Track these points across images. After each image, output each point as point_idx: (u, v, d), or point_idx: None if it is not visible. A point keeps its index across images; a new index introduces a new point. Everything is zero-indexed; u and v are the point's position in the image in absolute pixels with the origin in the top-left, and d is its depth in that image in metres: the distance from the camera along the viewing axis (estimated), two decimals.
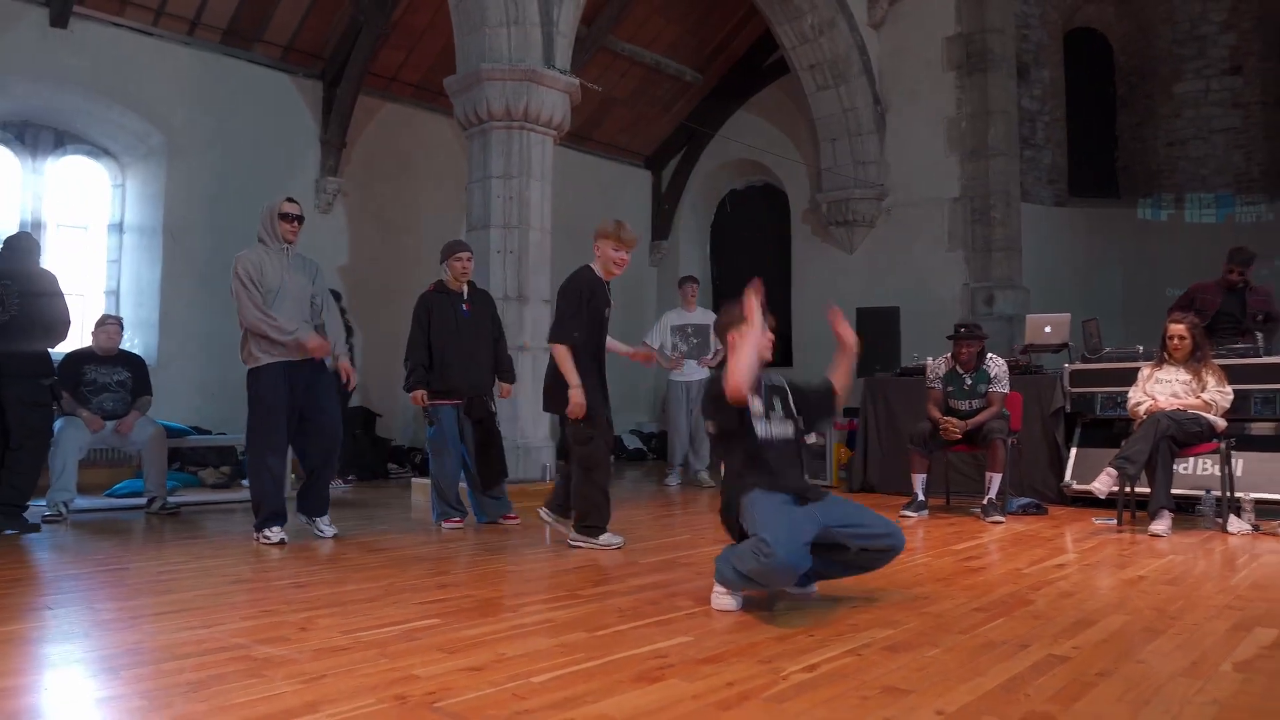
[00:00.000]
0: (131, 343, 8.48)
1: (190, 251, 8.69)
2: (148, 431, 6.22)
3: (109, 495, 6.89)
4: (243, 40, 8.99)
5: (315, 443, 5.01)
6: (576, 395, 4.50)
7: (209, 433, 8.16)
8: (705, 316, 8.28)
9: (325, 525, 5.09)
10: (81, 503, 6.15)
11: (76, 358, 6.32)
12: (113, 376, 6.37)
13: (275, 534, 4.81)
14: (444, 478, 5.56)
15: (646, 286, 12.64)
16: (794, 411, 3.54)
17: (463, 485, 5.72)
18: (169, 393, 7.81)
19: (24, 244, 5.56)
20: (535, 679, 2.42)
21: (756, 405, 3.41)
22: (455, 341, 5.52)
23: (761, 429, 3.41)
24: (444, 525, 5.50)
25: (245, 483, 7.72)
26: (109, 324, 6.49)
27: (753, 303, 3.32)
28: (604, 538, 4.68)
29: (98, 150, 8.83)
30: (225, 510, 6.51)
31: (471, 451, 5.63)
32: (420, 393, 5.45)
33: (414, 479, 7.48)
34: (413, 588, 3.67)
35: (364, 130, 9.90)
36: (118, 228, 8.91)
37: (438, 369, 5.49)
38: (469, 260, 5.65)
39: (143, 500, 6.28)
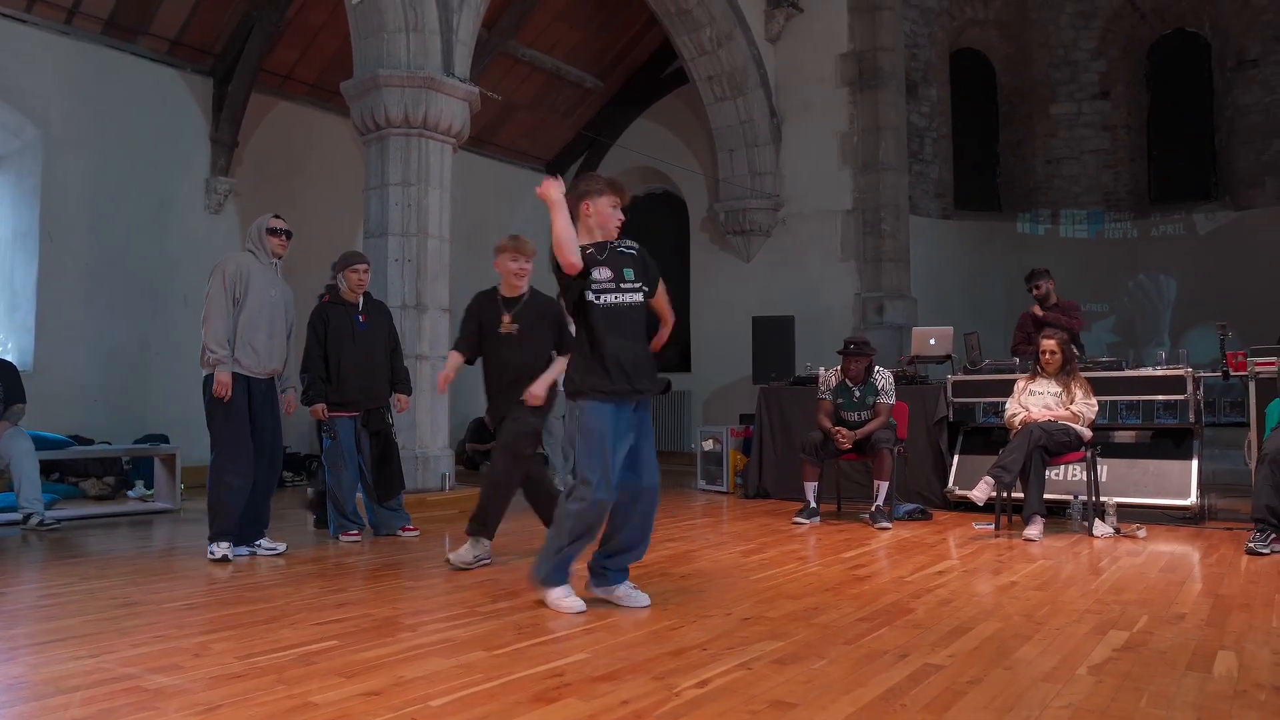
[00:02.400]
0: (4, 347, 8.09)
1: (71, 253, 8.32)
2: (15, 444, 5.94)
3: None
4: (126, 32, 8.64)
5: (260, 459, 4.90)
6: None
7: (91, 442, 7.85)
8: None
9: (267, 545, 4.96)
10: None
11: None
12: None
13: (221, 549, 4.71)
14: (341, 490, 5.50)
15: (549, 291, 12.65)
16: (647, 281, 3.72)
17: (360, 497, 5.67)
18: (48, 400, 7.47)
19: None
20: (434, 702, 2.45)
21: (604, 274, 3.58)
22: (351, 353, 5.46)
23: (609, 299, 3.58)
24: (342, 538, 5.44)
25: (131, 494, 7.55)
26: None
27: (549, 188, 3.46)
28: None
29: None
30: (109, 524, 6.28)
31: (368, 463, 5.59)
32: (320, 406, 5.38)
33: (310, 490, 7.33)
34: (310, 607, 3.64)
35: (256, 129, 9.65)
36: None
37: (334, 381, 5.42)
38: (365, 272, 5.60)
39: (17, 516, 6.00)
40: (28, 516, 5.92)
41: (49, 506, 6.73)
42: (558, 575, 3.62)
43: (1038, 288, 7.03)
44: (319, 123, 10.13)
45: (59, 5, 8.17)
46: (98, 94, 8.49)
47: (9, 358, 7.45)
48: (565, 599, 3.57)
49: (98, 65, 8.52)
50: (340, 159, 10.10)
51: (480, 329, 4.65)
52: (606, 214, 3.67)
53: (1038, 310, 6.95)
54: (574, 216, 3.64)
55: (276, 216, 5.04)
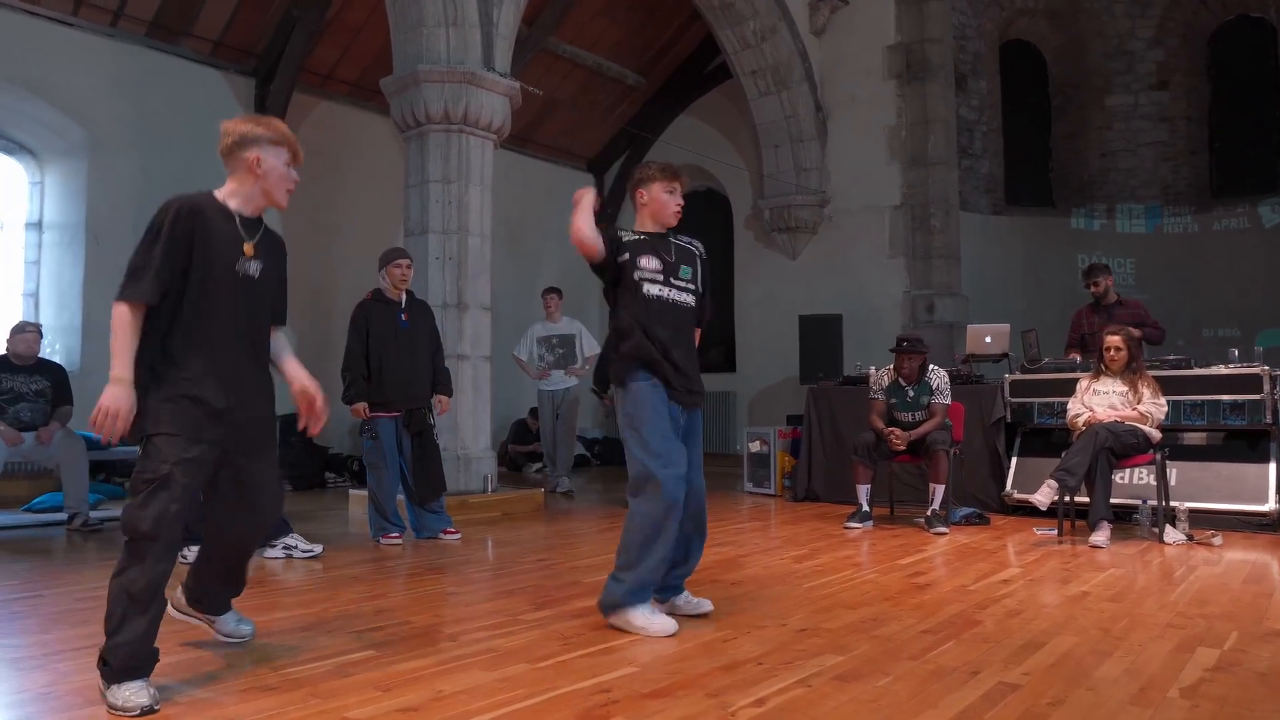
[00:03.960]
0: (52, 349, 8.13)
1: (115, 253, 8.27)
2: (66, 445, 5.93)
3: (27, 510, 6.56)
4: (170, 34, 8.67)
5: None
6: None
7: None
8: (570, 326, 8.35)
9: (304, 546, 4.87)
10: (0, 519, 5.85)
11: None
12: (30, 385, 6.07)
13: (190, 553, 4.62)
14: (382, 492, 5.40)
15: (591, 291, 12.51)
16: (700, 285, 3.49)
17: (401, 499, 5.57)
18: (93, 401, 7.44)
19: None
20: (474, 719, 2.31)
21: (652, 264, 3.36)
22: (394, 352, 5.36)
23: (654, 290, 3.35)
24: (382, 541, 5.34)
25: None
26: (27, 331, 6.18)
27: (583, 199, 3.36)
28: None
29: (13, 145, 8.43)
30: None
31: (409, 465, 5.48)
32: (362, 405, 5.29)
33: (351, 490, 7.28)
34: (348, 614, 3.52)
35: (298, 129, 9.61)
36: (36, 227, 8.53)
37: (375, 380, 5.32)
38: (408, 267, 5.50)
39: (64, 516, 6.00)
40: (73, 516, 5.92)
41: (94, 506, 6.73)
42: (637, 593, 3.19)
43: (1095, 284, 6.74)
44: (360, 121, 10.09)
45: (104, 8, 8.20)
46: (142, 95, 8.52)
47: (57, 359, 7.49)
48: (653, 620, 3.16)
49: (142, 67, 8.54)
50: (381, 158, 10.05)
51: (191, 255, 2.62)
52: (662, 200, 3.43)
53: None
54: (633, 207, 3.51)
55: None
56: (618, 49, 11.42)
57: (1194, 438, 6.01)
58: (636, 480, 3.23)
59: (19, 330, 6.16)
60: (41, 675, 2.71)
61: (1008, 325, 7.14)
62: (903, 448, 5.93)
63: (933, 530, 5.70)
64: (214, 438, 2.59)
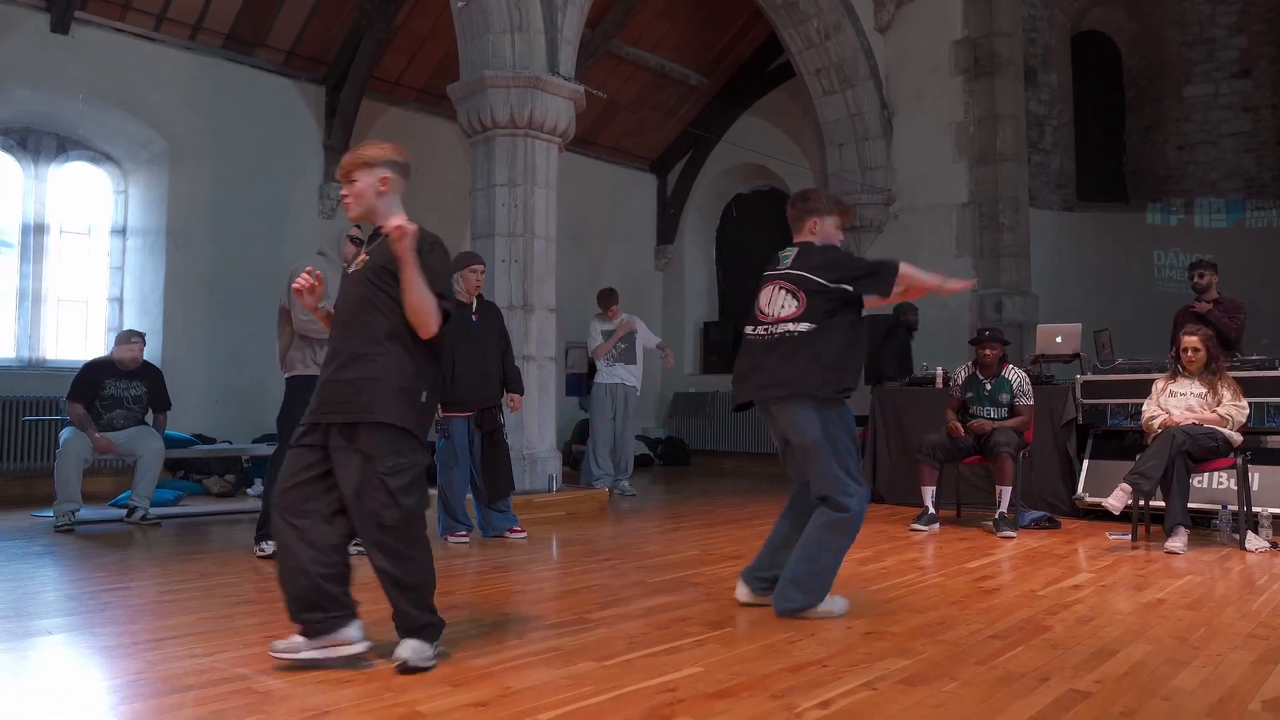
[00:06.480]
0: None
1: (194, 258, 8.65)
2: (149, 444, 6.16)
3: (114, 505, 6.83)
4: (245, 46, 8.94)
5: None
6: None
7: (214, 441, 8.12)
8: (629, 323, 8.25)
9: None
10: (87, 513, 6.10)
11: (97, 369, 6.25)
12: (130, 391, 6.30)
13: (269, 547, 4.79)
14: (451, 491, 5.49)
15: (652, 291, 12.57)
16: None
17: (468, 498, 5.67)
18: (173, 400, 7.75)
19: None
20: (542, 715, 2.36)
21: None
22: (465, 353, 5.45)
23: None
24: (449, 539, 5.44)
25: (250, 492, 7.76)
26: (134, 340, 6.39)
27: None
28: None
29: (100, 156, 8.78)
30: (230, 521, 6.45)
31: (478, 465, 5.57)
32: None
33: None
34: None
35: (367, 135, 9.83)
36: (120, 234, 8.87)
37: (447, 382, 5.41)
38: (483, 273, 5.60)
39: (122, 513, 6.25)
40: (132, 510, 6.15)
41: (174, 502, 7.00)
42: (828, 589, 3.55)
43: (1200, 276, 6.52)
44: (428, 127, 10.28)
45: (183, 23, 8.50)
46: (219, 105, 8.81)
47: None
48: (838, 601, 3.55)
49: (219, 78, 8.83)
50: (449, 163, 10.22)
51: None
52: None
53: (1199, 306, 6.46)
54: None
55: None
56: (680, 50, 11.43)
57: (1277, 441, 5.81)
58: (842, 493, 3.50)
59: (125, 339, 6.39)
60: (132, 663, 2.83)
61: (1079, 325, 6.98)
62: (960, 433, 5.89)
63: (1000, 534, 5.61)
64: None
